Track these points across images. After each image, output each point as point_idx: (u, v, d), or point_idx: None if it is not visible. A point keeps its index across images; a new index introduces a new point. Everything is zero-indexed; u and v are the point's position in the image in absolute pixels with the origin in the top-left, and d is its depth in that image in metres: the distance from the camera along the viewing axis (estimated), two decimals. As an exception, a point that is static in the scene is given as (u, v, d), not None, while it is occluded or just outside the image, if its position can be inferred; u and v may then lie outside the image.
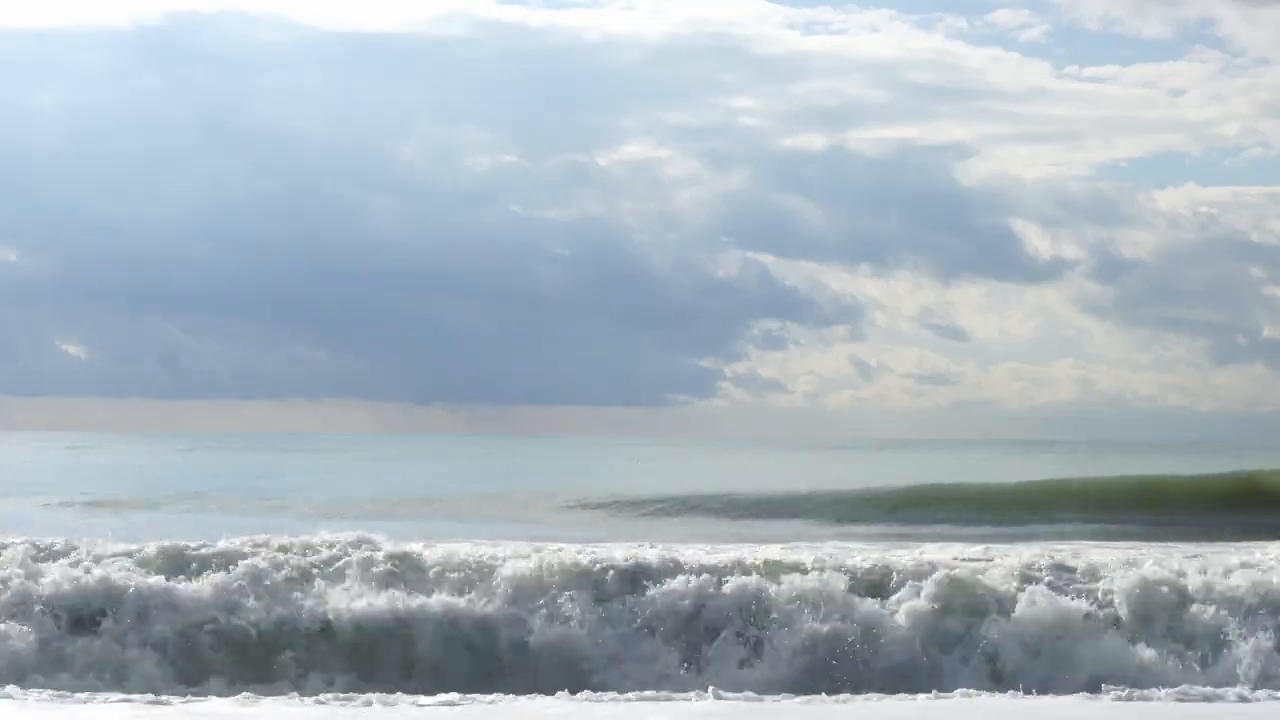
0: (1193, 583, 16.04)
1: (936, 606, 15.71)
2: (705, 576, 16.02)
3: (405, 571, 16.37)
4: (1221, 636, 15.36)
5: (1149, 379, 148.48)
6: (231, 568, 16.19)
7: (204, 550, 16.74)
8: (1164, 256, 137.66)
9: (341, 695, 13.32)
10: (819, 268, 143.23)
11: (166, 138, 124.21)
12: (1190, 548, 19.02)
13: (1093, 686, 13.95)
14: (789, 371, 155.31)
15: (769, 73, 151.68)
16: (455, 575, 16.26)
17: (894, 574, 16.27)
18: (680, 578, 16.01)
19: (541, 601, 15.81)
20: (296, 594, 15.96)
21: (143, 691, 13.72)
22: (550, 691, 13.43)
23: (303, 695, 13.55)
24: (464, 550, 16.82)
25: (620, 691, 13.53)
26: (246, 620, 15.59)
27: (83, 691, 13.57)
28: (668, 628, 15.60)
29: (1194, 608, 15.72)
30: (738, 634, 15.55)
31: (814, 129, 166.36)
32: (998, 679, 14.93)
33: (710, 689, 13.37)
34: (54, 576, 15.90)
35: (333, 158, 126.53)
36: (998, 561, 16.81)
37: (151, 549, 16.74)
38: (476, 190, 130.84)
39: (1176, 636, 15.51)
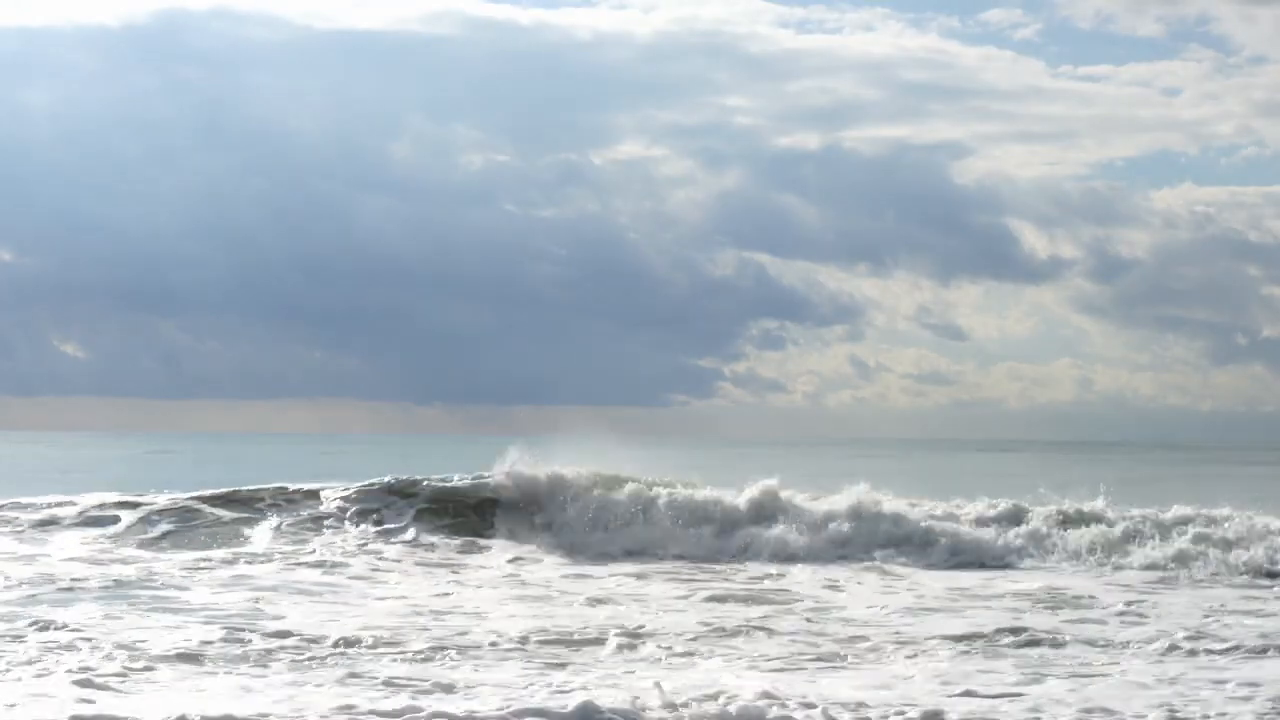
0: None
1: None
2: None
3: None
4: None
5: (1148, 379, 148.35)
6: None
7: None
8: (1161, 256, 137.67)
9: None
10: (816, 267, 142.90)
11: (159, 137, 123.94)
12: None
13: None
14: (788, 371, 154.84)
15: (763, 71, 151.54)
16: None
17: None
18: None
19: None
20: None
21: None
22: None
23: None
24: None
25: None
26: None
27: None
28: None
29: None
30: None
31: (808, 128, 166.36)
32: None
33: None
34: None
35: (326, 156, 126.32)
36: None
37: None
38: (471, 189, 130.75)
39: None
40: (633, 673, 13.82)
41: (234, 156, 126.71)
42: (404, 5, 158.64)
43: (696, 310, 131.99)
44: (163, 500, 27.83)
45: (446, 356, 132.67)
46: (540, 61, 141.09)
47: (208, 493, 28.34)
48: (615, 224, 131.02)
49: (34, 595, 18.58)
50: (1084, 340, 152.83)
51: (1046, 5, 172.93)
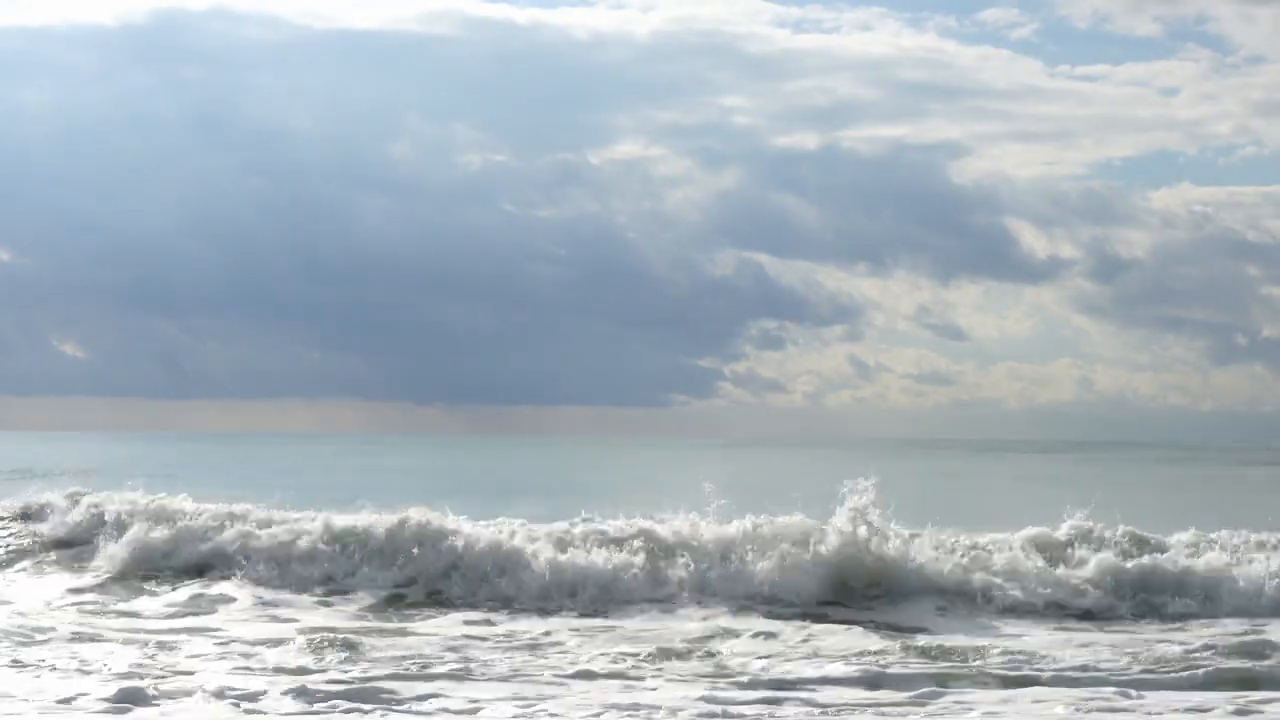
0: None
1: None
2: None
3: None
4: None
5: (1148, 379, 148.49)
6: None
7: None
8: (1160, 256, 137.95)
9: None
10: (815, 267, 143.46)
11: (157, 136, 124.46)
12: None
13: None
14: (788, 371, 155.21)
15: (760, 71, 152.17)
16: None
17: None
18: None
19: None
20: None
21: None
22: None
23: None
24: None
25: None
26: None
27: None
28: None
29: None
30: None
31: (806, 128, 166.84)
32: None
33: None
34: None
35: (325, 156, 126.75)
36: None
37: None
38: (469, 189, 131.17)
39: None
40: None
41: (233, 156, 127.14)
42: (402, 5, 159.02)
43: (696, 310, 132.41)
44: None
45: (446, 356, 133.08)
46: (538, 61, 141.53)
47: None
48: (614, 224, 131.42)
49: None
50: (1084, 340, 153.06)
51: (1044, 5, 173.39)
